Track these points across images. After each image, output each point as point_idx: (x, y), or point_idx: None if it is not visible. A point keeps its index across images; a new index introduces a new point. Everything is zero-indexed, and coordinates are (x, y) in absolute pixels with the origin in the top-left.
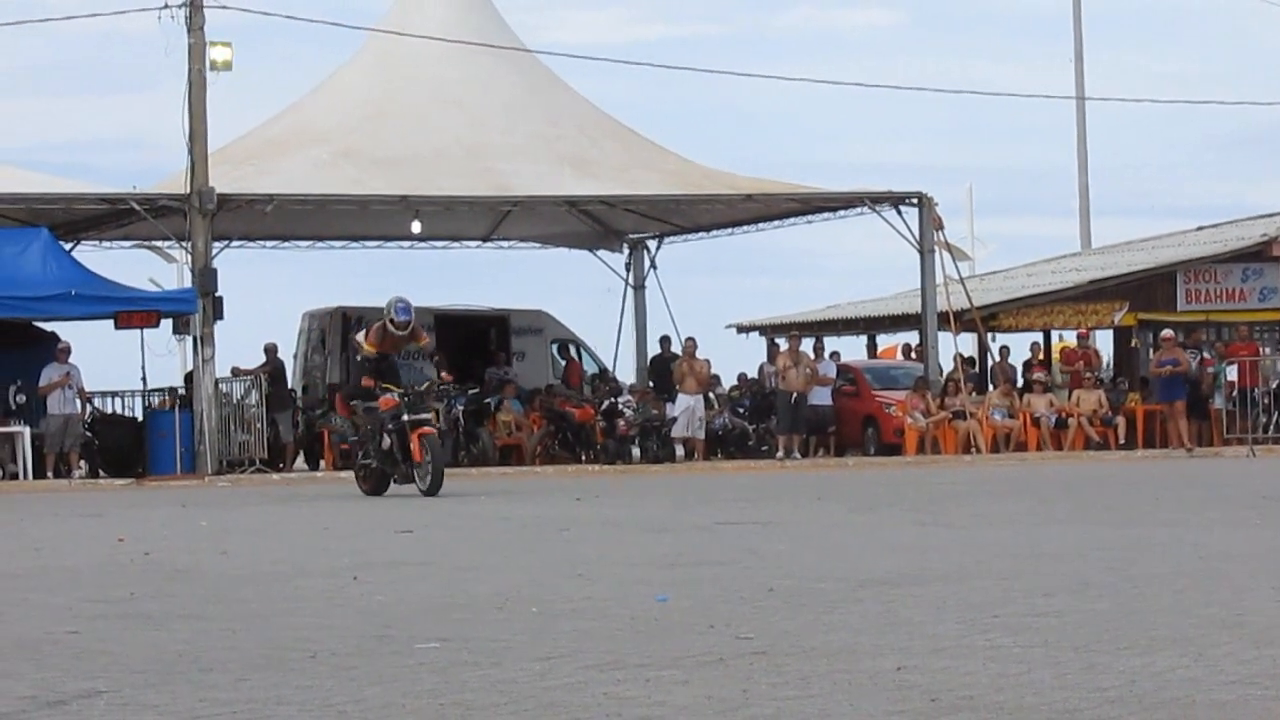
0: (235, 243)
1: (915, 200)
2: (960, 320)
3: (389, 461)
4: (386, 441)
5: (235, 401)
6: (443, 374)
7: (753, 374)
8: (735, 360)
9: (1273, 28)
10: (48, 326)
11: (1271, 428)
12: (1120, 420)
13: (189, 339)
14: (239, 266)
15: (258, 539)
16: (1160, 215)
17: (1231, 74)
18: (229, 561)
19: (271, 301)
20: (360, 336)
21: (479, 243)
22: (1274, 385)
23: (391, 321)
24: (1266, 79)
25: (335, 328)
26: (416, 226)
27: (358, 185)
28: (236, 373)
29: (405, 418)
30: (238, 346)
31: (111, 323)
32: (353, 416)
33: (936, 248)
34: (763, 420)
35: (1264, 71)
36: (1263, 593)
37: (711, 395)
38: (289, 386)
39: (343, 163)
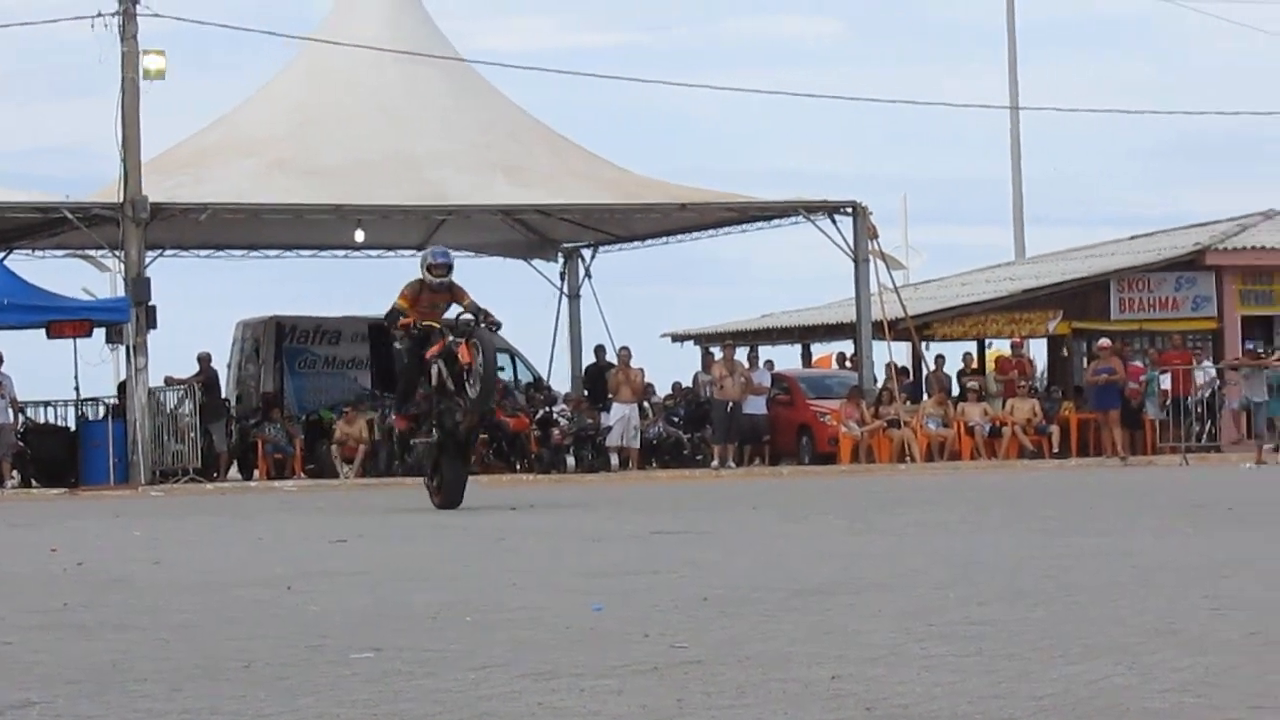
0: (169, 252)
1: (850, 209)
2: (895, 329)
3: (443, 400)
4: (434, 374)
5: (169, 411)
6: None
7: (687, 383)
8: (670, 369)
9: (1205, 38)
10: None
11: (1204, 436)
12: (1054, 429)
13: (122, 348)
14: (173, 276)
15: (191, 549)
16: (1094, 224)
17: (1165, 84)
18: (163, 571)
19: (205, 311)
20: (399, 304)
21: (413, 252)
22: (1206, 394)
23: (429, 269)
24: (1200, 89)
25: (269, 337)
26: (360, 235)
27: (292, 194)
28: (170, 382)
29: (450, 339)
30: (171, 356)
31: (44, 332)
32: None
33: (871, 257)
34: (697, 429)
35: (1197, 81)
36: (1196, 601)
37: (646, 404)
38: (222, 396)
39: (277, 172)
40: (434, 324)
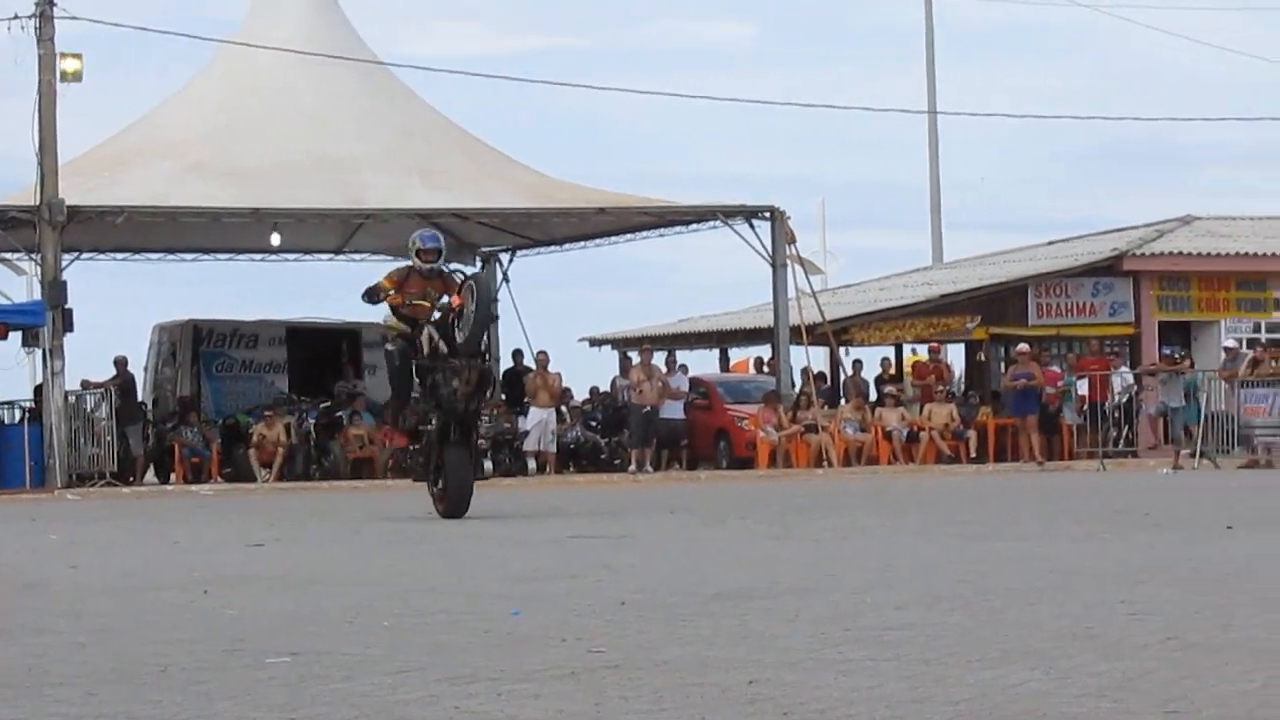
0: (85, 255)
1: (767, 214)
2: (812, 334)
3: (437, 368)
4: (427, 340)
5: (85, 414)
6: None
7: (605, 387)
8: (588, 373)
9: (1123, 44)
10: None
11: (1121, 441)
12: (971, 434)
13: (38, 352)
14: (89, 279)
15: (108, 552)
16: (1012, 230)
17: (1083, 89)
18: (79, 575)
19: (122, 314)
20: (382, 283)
21: (331, 255)
22: (1123, 399)
23: (418, 254)
24: (1118, 94)
25: (186, 341)
26: (276, 239)
27: (209, 198)
28: (86, 385)
29: (444, 299)
30: (88, 359)
31: None
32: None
33: (789, 261)
34: (615, 433)
35: (1115, 87)
36: (1113, 606)
37: (564, 408)
38: (139, 399)
39: (194, 174)
40: (424, 304)
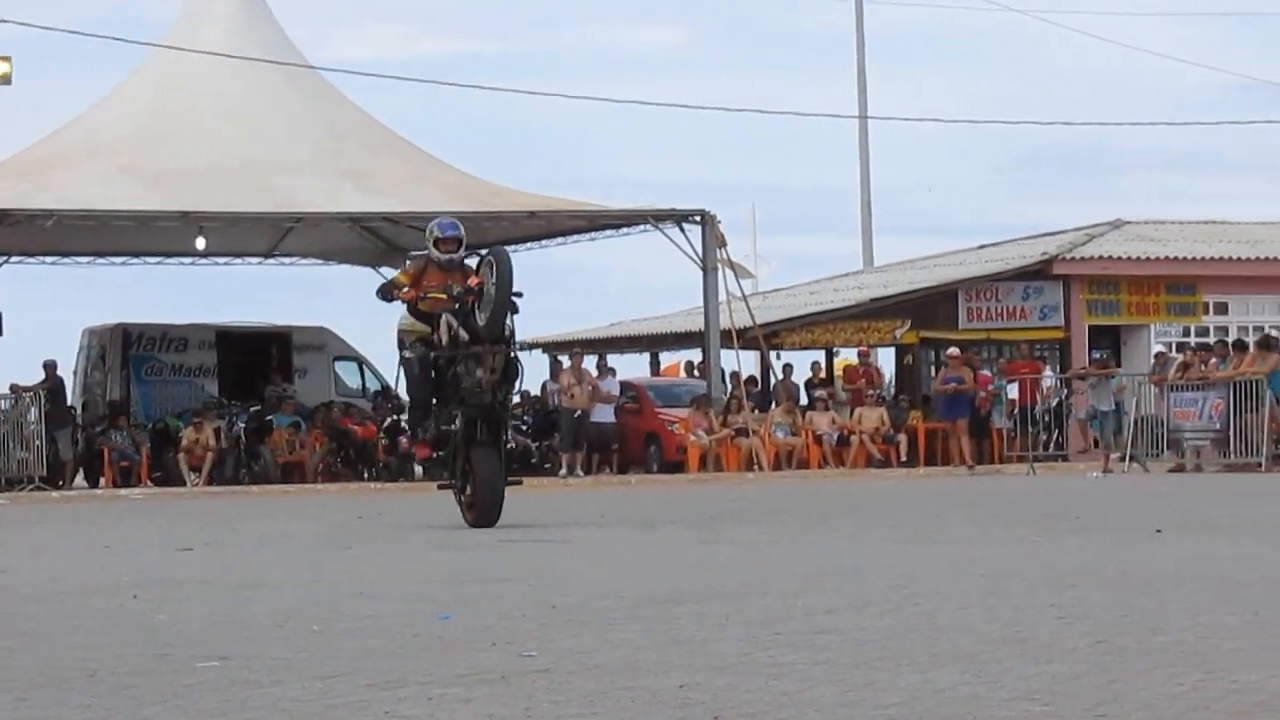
0: (15, 258)
1: (698, 218)
2: (743, 338)
3: (459, 359)
4: (445, 329)
5: (14, 419)
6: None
7: (536, 391)
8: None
9: (1053, 50)
10: None
11: (1051, 445)
12: (902, 438)
13: None
14: (18, 282)
15: (37, 557)
16: (942, 234)
17: (1013, 94)
18: (8, 580)
19: (51, 318)
20: (397, 278)
21: (261, 259)
22: (1053, 403)
23: (436, 244)
24: (1047, 100)
25: (115, 344)
26: (201, 243)
27: (139, 201)
28: (15, 389)
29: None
30: (16, 363)
31: None
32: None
33: (719, 265)
34: (546, 438)
35: (1044, 92)
36: (1043, 609)
37: None
38: (68, 403)
39: (124, 177)
40: (442, 298)
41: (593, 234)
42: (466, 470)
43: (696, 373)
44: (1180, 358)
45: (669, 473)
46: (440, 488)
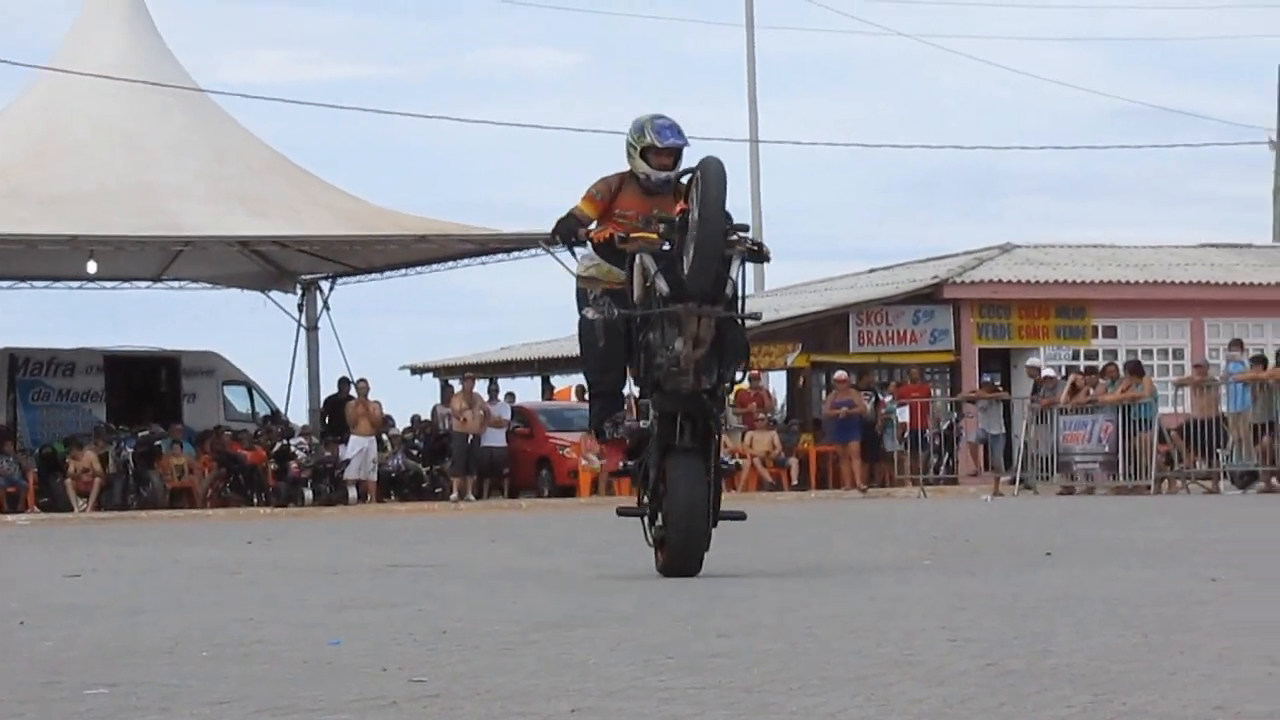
0: None
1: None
2: None
3: (653, 320)
4: (639, 276)
5: None
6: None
7: (427, 415)
8: (409, 401)
9: (943, 75)
10: None
11: (942, 469)
12: (793, 461)
13: None
14: None
15: None
16: (833, 258)
17: (904, 119)
18: None
19: None
20: (579, 208)
21: (149, 283)
22: (944, 426)
23: (646, 152)
24: (937, 124)
25: (2, 370)
26: (92, 266)
27: (26, 224)
28: None
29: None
30: None
31: None
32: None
33: None
34: (437, 462)
35: (935, 117)
36: (934, 632)
37: (385, 437)
38: None
39: (11, 201)
40: (649, 236)
41: (484, 258)
42: (660, 490)
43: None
44: (1069, 381)
45: (560, 497)
46: (621, 514)
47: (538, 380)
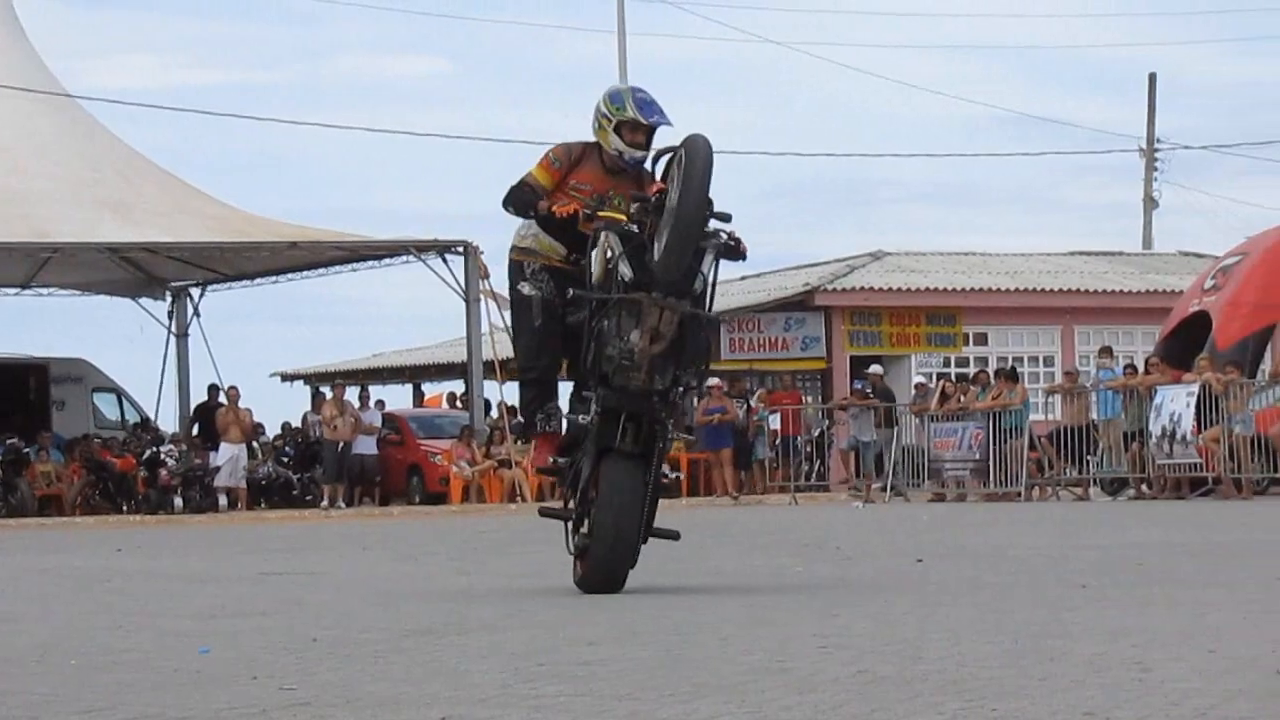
0: None
1: (461, 249)
2: (506, 369)
3: (608, 307)
4: (602, 255)
5: None
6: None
7: (297, 423)
8: (280, 409)
9: (815, 82)
10: None
11: (814, 476)
12: (666, 468)
13: None
14: None
15: None
16: None
17: (775, 127)
18: None
19: None
20: (532, 174)
21: (17, 290)
22: (815, 433)
23: (622, 128)
24: (808, 131)
25: None
26: None
27: None
28: None
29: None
30: None
31: None
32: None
33: (482, 296)
34: (307, 469)
35: (806, 124)
36: (806, 640)
37: (256, 444)
38: None
39: None
40: (617, 215)
41: (355, 265)
42: (591, 495)
43: (459, 404)
44: (940, 387)
45: (432, 504)
46: (543, 514)
47: (409, 387)
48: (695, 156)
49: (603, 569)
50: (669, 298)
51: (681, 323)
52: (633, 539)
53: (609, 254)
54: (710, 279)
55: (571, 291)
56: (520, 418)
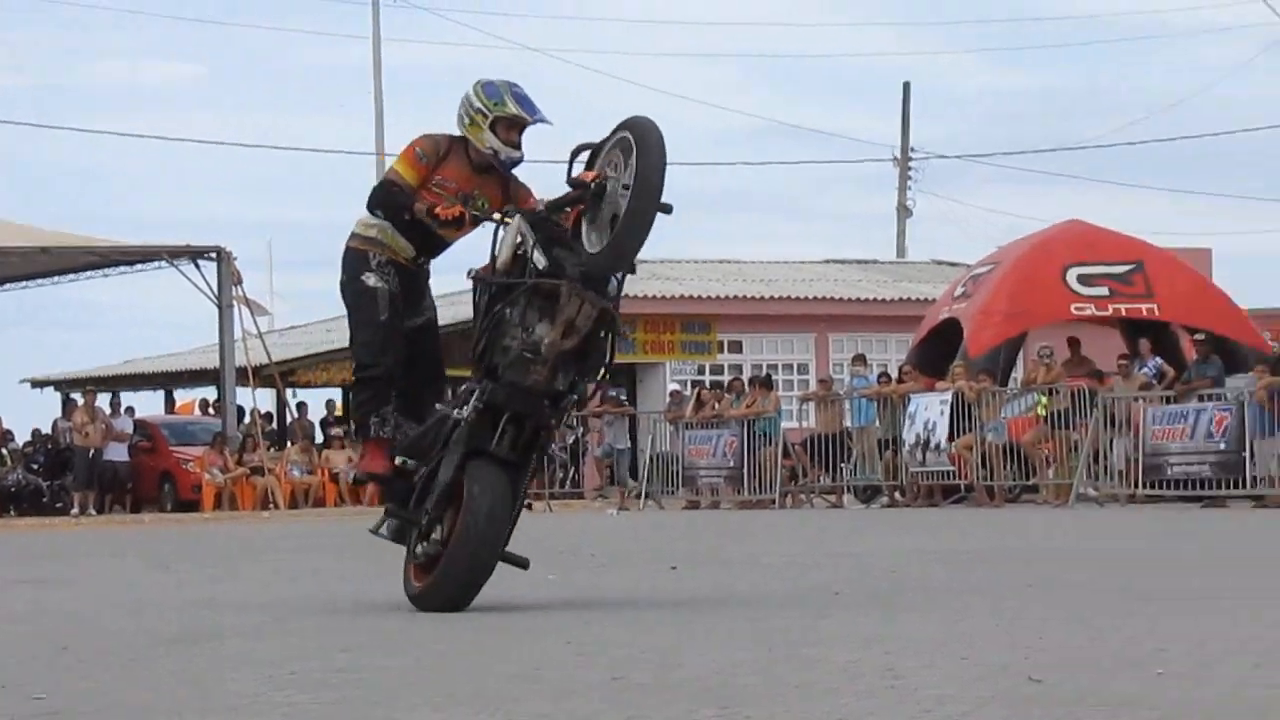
0: None
1: (214, 254)
2: (259, 375)
3: (516, 291)
4: (511, 241)
5: None
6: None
7: (47, 429)
8: (29, 415)
9: (571, 89)
10: None
11: (568, 483)
12: None
13: None
14: None
15: None
16: (455, 270)
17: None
18: None
19: None
20: (396, 171)
21: None
22: (570, 440)
23: (498, 124)
24: (568, 140)
25: None
26: None
27: None
28: None
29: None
30: None
31: None
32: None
33: (235, 302)
34: (58, 477)
35: (560, 131)
36: (561, 647)
37: (4, 451)
38: None
39: None
40: (482, 215)
41: (106, 270)
42: (446, 500)
43: (212, 411)
44: (694, 395)
45: (184, 511)
46: (389, 515)
47: (161, 394)
48: (650, 144)
49: (455, 584)
50: (589, 290)
51: (596, 320)
52: (493, 554)
53: (518, 239)
54: (621, 280)
55: (471, 270)
56: (353, 420)
